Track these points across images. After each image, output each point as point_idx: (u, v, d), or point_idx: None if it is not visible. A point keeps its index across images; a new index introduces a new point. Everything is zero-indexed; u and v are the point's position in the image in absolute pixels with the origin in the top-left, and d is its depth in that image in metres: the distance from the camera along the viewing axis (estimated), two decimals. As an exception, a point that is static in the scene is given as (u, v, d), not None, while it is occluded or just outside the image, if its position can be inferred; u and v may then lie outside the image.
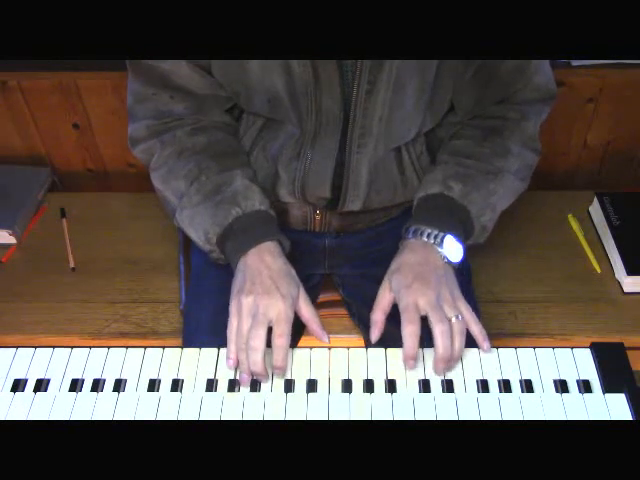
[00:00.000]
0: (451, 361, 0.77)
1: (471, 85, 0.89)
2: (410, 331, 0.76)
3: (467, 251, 0.89)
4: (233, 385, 0.77)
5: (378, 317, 0.81)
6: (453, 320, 0.77)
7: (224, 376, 0.78)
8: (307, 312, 0.80)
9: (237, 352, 0.77)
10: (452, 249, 0.83)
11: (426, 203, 0.88)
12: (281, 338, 0.76)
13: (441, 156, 0.93)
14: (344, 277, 1.05)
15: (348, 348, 0.81)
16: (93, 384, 0.77)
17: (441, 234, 0.83)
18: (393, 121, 0.86)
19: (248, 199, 0.84)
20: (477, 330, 0.79)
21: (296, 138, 0.88)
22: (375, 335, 0.80)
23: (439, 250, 0.83)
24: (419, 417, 0.72)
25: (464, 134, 0.93)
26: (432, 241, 0.83)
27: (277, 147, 0.90)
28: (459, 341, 0.77)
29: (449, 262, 0.83)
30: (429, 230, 0.84)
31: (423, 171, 0.95)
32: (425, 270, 0.81)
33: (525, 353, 0.80)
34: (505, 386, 0.76)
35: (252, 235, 0.82)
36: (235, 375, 0.78)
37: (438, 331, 0.75)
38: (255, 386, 0.77)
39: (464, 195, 0.86)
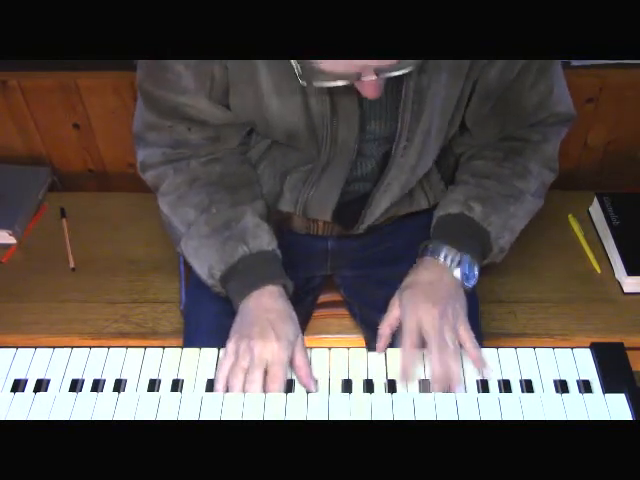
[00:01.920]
0: (452, 382, 0.76)
1: (493, 120, 0.91)
2: (409, 354, 0.77)
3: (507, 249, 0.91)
4: (233, 385, 0.77)
5: (385, 332, 0.82)
6: (450, 346, 0.77)
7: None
8: (300, 360, 0.79)
9: (231, 392, 0.75)
10: (467, 272, 0.84)
11: (446, 222, 0.89)
12: (274, 383, 0.75)
13: (461, 176, 0.94)
14: (345, 278, 1.05)
15: (348, 348, 0.81)
16: (93, 384, 0.77)
17: (458, 255, 0.84)
18: (419, 166, 0.88)
19: (257, 238, 0.84)
20: (475, 355, 0.79)
21: (308, 164, 0.89)
22: (380, 348, 0.81)
23: (454, 273, 0.84)
24: (419, 417, 0.72)
25: (485, 155, 0.93)
26: (449, 262, 0.84)
27: (287, 168, 0.90)
28: (454, 366, 0.76)
29: (463, 284, 0.84)
30: (446, 250, 0.85)
31: (430, 186, 0.96)
32: (435, 289, 0.82)
33: (525, 353, 0.80)
34: (505, 386, 0.76)
35: (256, 277, 0.82)
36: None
37: (435, 358, 0.76)
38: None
39: (484, 217, 0.87)
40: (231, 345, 0.78)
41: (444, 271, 0.84)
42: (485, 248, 0.88)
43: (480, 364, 0.78)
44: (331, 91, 0.78)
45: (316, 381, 0.77)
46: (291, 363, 0.78)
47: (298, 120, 0.83)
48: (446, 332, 0.78)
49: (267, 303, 0.81)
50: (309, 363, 0.79)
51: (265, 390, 0.75)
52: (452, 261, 0.84)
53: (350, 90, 0.78)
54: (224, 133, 0.89)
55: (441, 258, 0.84)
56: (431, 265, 0.85)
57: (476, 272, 0.86)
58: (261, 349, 0.76)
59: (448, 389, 0.76)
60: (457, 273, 0.84)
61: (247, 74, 0.81)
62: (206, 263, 0.85)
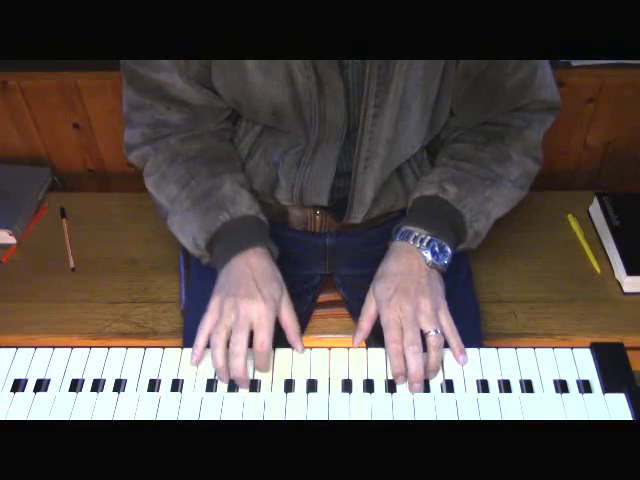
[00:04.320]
0: (429, 373, 0.77)
1: (475, 102, 0.90)
2: (394, 351, 0.77)
3: (465, 252, 0.89)
4: (233, 385, 0.77)
5: (364, 326, 0.82)
6: (431, 334, 0.77)
7: (224, 376, 0.78)
8: (287, 317, 0.80)
9: (213, 351, 0.76)
10: (438, 252, 0.83)
11: (420, 205, 0.88)
12: (263, 345, 0.75)
13: (440, 159, 0.93)
14: (344, 277, 1.05)
15: (348, 348, 0.81)
16: (93, 384, 0.77)
17: (428, 237, 0.83)
18: (398, 142, 0.87)
19: (236, 204, 0.84)
20: (455, 343, 0.79)
21: (299, 146, 0.88)
22: (357, 340, 0.81)
23: (424, 254, 0.82)
24: (419, 417, 0.72)
25: (466, 138, 0.93)
26: (418, 245, 0.83)
27: (279, 153, 0.90)
28: (434, 356, 0.76)
29: (434, 264, 0.82)
30: (417, 232, 0.83)
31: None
32: (407, 280, 0.80)
33: (525, 353, 0.80)
34: (505, 386, 0.76)
35: (240, 240, 0.82)
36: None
37: (409, 353, 0.76)
38: (255, 386, 0.77)
39: (459, 199, 0.86)
40: (215, 302, 0.78)
41: (414, 257, 0.82)
42: (459, 231, 0.87)
43: (458, 352, 0.78)
44: (315, 66, 0.78)
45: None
46: (280, 322, 0.79)
47: (284, 96, 0.83)
48: (423, 323, 0.77)
49: (252, 261, 0.80)
50: (296, 320, 0.80)
51: (253, 350, 0.76)
52: (421, 242, 0.83)
53: (333, 64, 0.78)
54: (202, 114, 0.90)
55: (410, 241, 0.83)
56: (401, 251, 0.83)
57: (448, 253, 0.83)
58: (247, 309, 0.76)
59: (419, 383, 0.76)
60: (427, 254, 0.82)
61: None
62: (190, 235, 0.85)
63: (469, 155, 0.90)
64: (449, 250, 0.84)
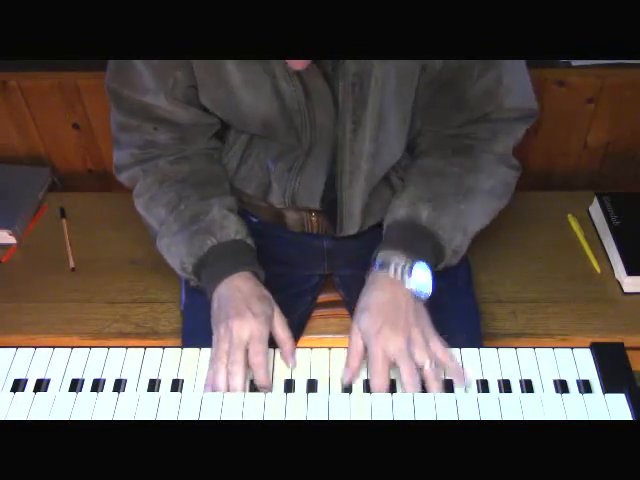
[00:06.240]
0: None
1: (439, 108, 0.89)
2: (379, 385, 0.75)
3: (465, 251, 0.88)
4: (233, 385, 0.77)
5: (354, 364, 0.78)
6: (426, 367, 0.75)
7: (224, 376, 0.78)
8: (282, 334, 0.80)
9: (215, 377, 0.76)
10: (421, 279, 0.81)
11: (395, 229, 0.87)
12: (257, 357, 0.76)
13: (410, 177, 0.91)
14: (344, 278, 1.05)
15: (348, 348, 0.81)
16: (93, 384, 0.77)
17: (409, 263, 0.81)
18: (381, 154, 0.87)
19: (224, 229, 0.85)
20: (453, 367, 0.77)
21: (292, 152, 0.89)
22: (348, 380, 0.77)
23: (407, 284, 0.80)
24: (419, 417, 0.72)
25: (433, 153, 0.91)
26: (399, 275, 0.80)
27: (272, 158, 0.91)
28: (436, 387, 0.75)
29: (418, 296, 0.80)
30: (397, 260, 0.81)
31: None
32: (394, 312, 0.78)
33: (525, 353, 0.80)
34: (505, 386, 0.76)
35: (227, 265, 0.83)
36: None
37: (409, 386, 0.74)
38: (255, 386, 0.77)
39: (433, 220, 0.85)
40: (215, 334, 0.79)
41: (397, 288, 0.80)
42: (437, 252, 0.85)
43: (459, 377, 0.76)
44: (300, 75, 0.78)
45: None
46: (275, 340, 0.79)
47: (272, 109, 0.83)
48: (418, 357, 0.76)
49: (238, 285, 0.81)
50: (292, 337, 0.80)
51: (250, 366, 0.76)
52: (403, 272, 0.80)
53: (317, 72, 0.78)
54: (190, 133, 0.90)
55: (391, 271, 0.81)
56: (384, 283, 0.81)
57: (430, 279, 0.81)
58: (238, 328, 0.77)
59: None
60: (409, 284, 0.80)
61: (214, 72, 0.82)
62: (178, 258, 0.86)
63: (438, 169, 0.89)
64: (431, 275, 0.81)
